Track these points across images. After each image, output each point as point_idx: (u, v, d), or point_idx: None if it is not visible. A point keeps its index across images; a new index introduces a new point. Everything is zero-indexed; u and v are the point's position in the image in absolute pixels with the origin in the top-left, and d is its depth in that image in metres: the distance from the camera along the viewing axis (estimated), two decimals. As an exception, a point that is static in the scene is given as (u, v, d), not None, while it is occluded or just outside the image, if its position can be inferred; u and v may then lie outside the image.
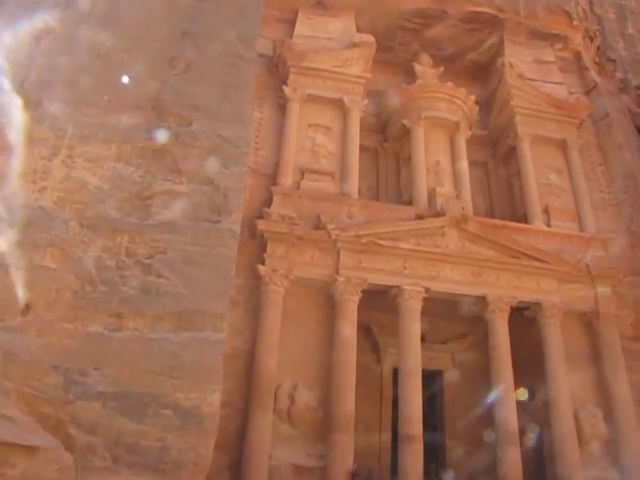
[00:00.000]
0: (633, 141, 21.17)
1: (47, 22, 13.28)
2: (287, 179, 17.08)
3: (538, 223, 18.46)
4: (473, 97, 20.16)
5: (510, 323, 16.33)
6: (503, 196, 20.79)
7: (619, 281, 17.66)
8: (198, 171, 12.34)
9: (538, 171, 19.68)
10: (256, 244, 15.77)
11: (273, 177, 17.27)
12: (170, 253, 11.20)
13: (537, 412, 15.99)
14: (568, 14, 23.24)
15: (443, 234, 16.84)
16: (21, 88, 12.15)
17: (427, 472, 14.75)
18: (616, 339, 16.71)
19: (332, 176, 17.67)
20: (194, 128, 12.95)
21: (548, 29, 22.96)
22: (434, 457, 16.66)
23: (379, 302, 16.19)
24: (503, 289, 16.59)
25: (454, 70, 22.33)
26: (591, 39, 24.52)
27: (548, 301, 16.64)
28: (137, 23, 14.25)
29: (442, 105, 19.72)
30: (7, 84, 11.99)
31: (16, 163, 11.04)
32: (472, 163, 20.09)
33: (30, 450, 8.02)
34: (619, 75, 24.25)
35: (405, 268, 16.19)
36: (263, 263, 15.34)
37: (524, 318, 16.96)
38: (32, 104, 11.92)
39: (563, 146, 20.55)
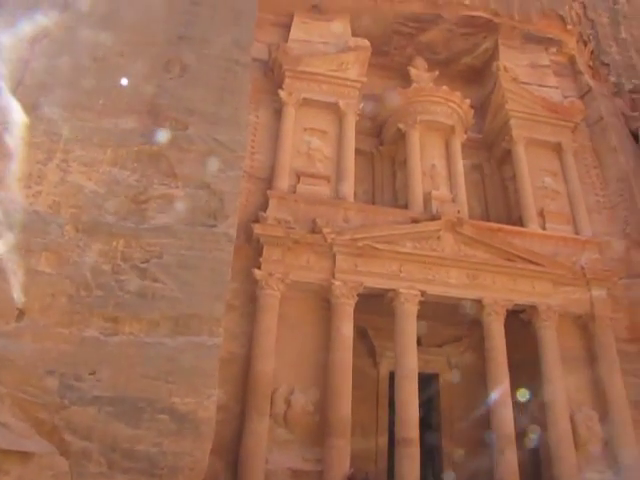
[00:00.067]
0: (627, 144, 21.26)
1: (42, 25, 13.26)
2: (283, 183, 17.07)
3: (533, 226, 18.51)
4: (468, 101, 20.22)
5: (506, 326, 16.35)
6: (498, 199, 20.85)
7: (614, 284, 17.71)
8: (194, 175, 12.33)
9: (533, 174, 19.75)
10: (252, 248, 15.76)
11: (269, 181, 17.26)
12: (166, 257, 11.19)
13: (534, 415, 15.98)
14: (562, 18, 23.36)
15: (439, 237, 16.86)
16: (16, 91, 12.12)
17: (424, 476, 14.71)
18: (611, 342, 16.75)
19: (328, 180, 17.68)
20: (190, 132, 12.95)
21: (542, 33, 23.06)
22: (431, 460, 16.65)
23: (375, 306, 16.19)
24: (499, 292, 16.61)
25: (449, 74, 22.39)
26: (585, 43, 24.63)
27: (544, 304, 16.67)
28: (133, 27, 14.25)
29: (437, 109, 19.76)
30: (4, 87, 11.96)
31: (14, 167, 11.02)
32: (467, 166, 20.14)
33: (25, 456, 7.98)
34: (613, 79, 24.34)
35: (401, 271, 16.20)
36: (259, 267, 15.32)
37: (520, 321, 16.99)
38: (27, 108, 11.89)
39: (558, 149, 20.63)
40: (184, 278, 11.05)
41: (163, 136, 12.66)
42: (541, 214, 18.94)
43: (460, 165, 19.33)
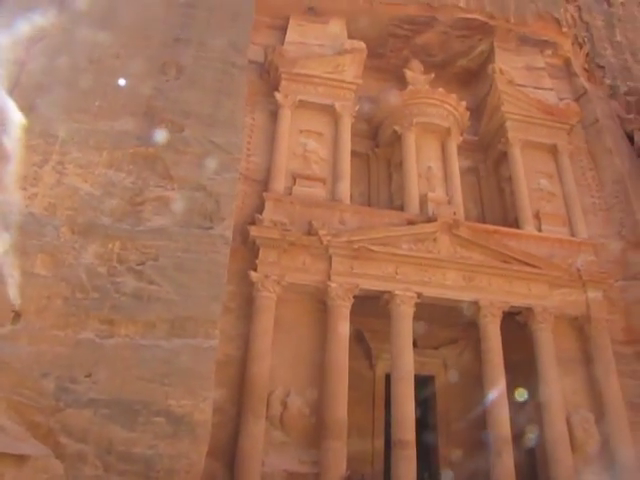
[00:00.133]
0: (623, 146, 21.33)
1: (39, 26, 13.26)
2: (279, 185, 17.07)
3: (529, 228, 18.54)
4: (464, 103, 20.26)
5: (502, 328, 16.37)
6: (494, 201, 20.88)
7: (610, 286, 17.74)
8: (190, 177, 12.34)
9: (529, 176, 19.79)
10: (248, 250, 15.74)
11: (265, 183, 17.26)
12: (162, 259, 11.18)
13: (530, 416, 15.99)
14: (557, 21, 23.44)
15: (435, 239, 16.87)
16: (13, 93, 12.11)
17: (420, 478, 14.71)
18: (607, 343, 16.77)
19: (324, 182, 17.69)
20: (186, 134, 12.96)
21: (538, 36, 23.12)
22: (427, 463, 16.64)
23: (371, 308, 16.19)
24: (495, 294, 16.62)
25: (445, 76, 22.45)
26: (580, 46, 24.73)
27: (539, 306, 16.69)
28: (130, 29, 14.26)
29: (433, 111, 19.80)
30: (1, 87, 11.96)
31: (10, 169, 11.00)
32: (463, 169, 20.18)
33: (19, 459, 7.95)
34: (608, 81, 24.44)
35: (397, 273, 16.20)
36: (255, 269, 15.30)
37: (516, 323, 17.00)
38: (23, 109, 11.89)
39: (554, 151, 20.68)
40: (180, 280, 11.05)
41: (159, 138, 12.66)
42: (537, 216, 18.97)
43: (456, 167, 19.36)
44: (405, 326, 15.68)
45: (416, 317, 15.93)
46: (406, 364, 15.20)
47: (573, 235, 18.73)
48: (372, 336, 17.67)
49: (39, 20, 13.36)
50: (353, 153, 18.94)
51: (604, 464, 15.38)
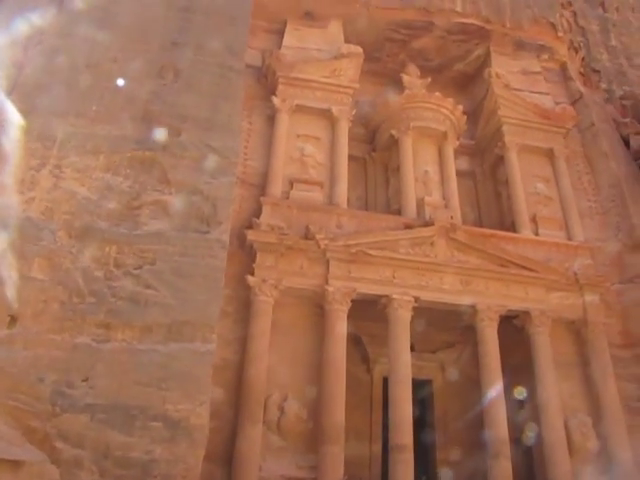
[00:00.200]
0: (619, 150, 21.40)
1: (36, 29, 13.26)
2: (276, 189, 17.07)
3: (526, 232, 18.56)
4: (461, 107, 20.31)
5: (500, 331, 16.37)
6: (491, 205, 20.92)
7: (607, 289, 17.77)
8: (187, 181, 12.33)
9: (526, 180, 19.82)
10: (245, 254, 15.73)
11: (262, 187, 17.25)
12: (159, 264, 11.16)
13: (528, 420, 15.98)
14: (553, 26, 23.54)
15: (432, 243, 16.88)
16: (11, 96, 12.10)
17: (418, 481, 14.71)
18: (605, 347, 16.78)
19: (321, 186, 17.69)
20: (183, 138, 12.95)
21: (534, 40, 23.21)
22: (425, 467, 16.61)
23: (369, 312, 16.17)
24: (492, 298, 16.63)
25: (441, 80, 22.49)
26: (576, 50, 24.83)
27: (537, 309, 16.70)
28: (127, 33, 14.27)
29: (430, 115, 19.84)
30: (0, 90, 11.96)
31: (9, 172, 10.99)
32: (460, 173, 20.21)
33: (15, 465, 7.90)
34: (604, 86, 24.56)
35: (394, 277, 16.20)
36: (252, 273, 15.29)
37: (513, 326, 17.01)
38: (21, 113, 11.87)
39: (550, 155, 20.72)
40: (177, 285, 11.02)
41: (156, 142, 12.66)
42: (534, 220, 18.99)
43: (453, 171, 19.40)
44: (402, 330, 15.67)
45: (413, 321, 15.93)
46: (404, 368, 15.19)
47: (570, 239, 18.76)
48: (369, 340, 17.66)
49: (37, 21, 13.36)
50: (350, 157, 18.95)
51: (602, 467, 15.36)
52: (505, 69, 22.26)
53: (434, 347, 18.38)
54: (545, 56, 23.51)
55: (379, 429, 16.93)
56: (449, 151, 19.85)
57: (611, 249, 19.14)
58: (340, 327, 15.25)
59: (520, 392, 15.92)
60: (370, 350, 17.79)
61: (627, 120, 22.86)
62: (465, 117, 20.62)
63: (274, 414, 14.20)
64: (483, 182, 21.52)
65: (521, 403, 16.33)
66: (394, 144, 19.86)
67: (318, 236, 15.78)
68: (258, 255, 15.51)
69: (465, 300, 16.45)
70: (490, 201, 21.02)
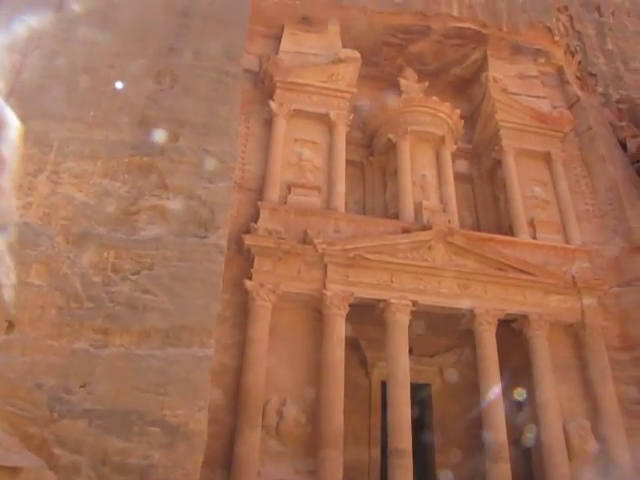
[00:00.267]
0: (616, 154, 21.46)
1: (35, 32, 13.27)
2: (274, 194, 17.08)
3: (524, 236, 18.59)
4: (458, 111, 20.35)
5: (498, 335, 16.37)
6: (489, 209, 20.94)
7: (605, 292, 17.80)
8: (184, 186, 12.32)
9: (523, 184, 19.86)
10: (243, 259, 15.73)
11: (260, 192, 17.27)
12: (157, 269, 11.14)
13: (526, 424, 15.96)
14: (550, 30, 23.63)
15: (430, 247, 16.89)
16: (8, 101, 12.10)
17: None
18: (603, 350, 16.80)
19: (319, 190, 17.71)
20: (180, 143, 12.95)
21: (530, 44, 23.30)
22: (424, 471, 16.59)
23: (367, 316, 16.18)
24: (490, 302, 16.64)
25: (439, 85, 22.57)
26: (572, 54, 24.93)
27: (535, 313, 16.71)
28: (124, 38, 14.28)
29: (427, 119, 19.88)
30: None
31: (7, 178, 10.99)
32: (458, 177, 20.24)
33: (12, 471, 7.86)
34: (600, 89, 24.65)
35: (392, 282, 16.20)
36: (250, 278, 15.29)
37: (512, 330, 17.02)
38: (18, 118, 11.87)
39: (547, 159, 20.78)
40: (175, 289, 11.00)
41: (154, 147, 12.67)
42: (531, 223, 19.02)
43: (450, 175, 19.43)
44: (401, 334, 15.67)
45: (412, 325, 15.93)
46: (402, 372, 15.18)
47: (567, 242, 18.79)
48: (368, 344, 17.65)
49: (35, 24, 13.37)
50: (348, 161, 18.98)
51: (601, 470, 15.35)
52: (502, 73, 22.32)
53: (432, 351, 18.37)
54: (542, 60, 23.60)
55: (378, 433, 16.91)
56: (447, 155, 19.88)
57: (609, 252, 19.19)
58: (338, 331, 15.26)
59: (520, 393, 15.92)
60: (368, 354, 17.78)
61: (624, 124, 22.93)
62: (462, 121, 20.66)
63: (273, 419, 14.18)
64: (481, 186, 21.56)
65: (520, 406, 16.32)
66: (392, 148, 19.90)
67: (316, 240, 15.79)
68: (256, 260, 15.52)
69: (463, 304, 16.46)
70: (488, 205, 21.05)
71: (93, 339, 10.12)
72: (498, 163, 20.74)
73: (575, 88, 23.35)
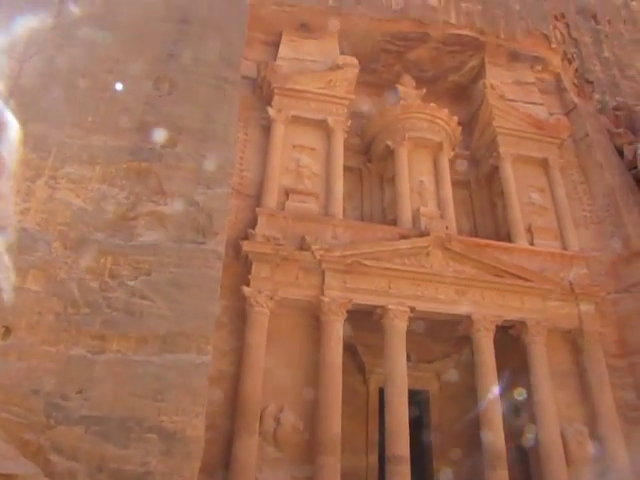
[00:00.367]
0: (613, 160, 21.54)
1: (33, 37, 13.29)
2: (272, 200, 17.10)
3: (521, 242, 18.62)
4: (456, 118, 20.41)
5: (495, 341, 16.37)
6: (486, 215, 20.98)
7: (602, 299, 17.82)
8: (182, 192, 12.32)
9: (520, 190, 19.92)
10: (241, 265, 15.73)
11: (258, 198, 17.29)
12: (154, 275, 11.12)
13: (524, 430, 15.94)
14: (547, 37, 23.76)
15: (427, 254, 16.90)
16: (8, 104, 12.11)
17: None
18: (600, 356, 16.80)
19: (316, 197, 17.74)
20: (178, 149, 12.95)
21: (528, 51, 23.41)
22: (421, 477, 16.54)
23: (364, 322, 16.16)
24: (488, 308, 16.64)
25: (436, 91, 22.64)
26: (569, 61, 25.06)
27: (532, 319, 16.72)
28: (123, 44, 14.31)
29: (425, 126, 19.93)
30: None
31: (6, 183, 10.98)
32: (455, 183, 20.28)
33: (7, 479, 7.83)
34: (597, 96, 24.76)
35: (390, 288, 16.20)
36: (248, 284, 15.27)
37: (509, 336, 17.02)
38: (18, 122, 11.88)
39: (545, 165, 20.84)
40: (173, 296, 10.98)
41: (152, 153, 12.67)
42: (529, 230, 19.07)
43: (448, 181, 19.47)
44: (398, 340, 15.66)
45: (409, 331, 15.92)
46: (400, 378, 15.16)
47: (565, 248, 18.83)
48: (365, 350, 17.63)
49: (35, 26, 13.39)
50: (346, 168, 19.02)
51: (599, 476, 15.32)
52: (499, 80, 22.42)
53: (430, 357, 18.36)
54: (539, 67, 23.71)
55: (375, 440, 16.87)
56: (444, 161, 19.93)
57: (606, 258, 19.23)
58: (336, 337, 15.24)
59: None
60: (366, 360, 17.76)
61: (620, 130, 23.01)
62: (460, 127, 20.72)
63: (270, 425, 14.14)
64: (478, 192, 21.61)
65: (518, 412, 16.30)
66: (390, 154, 19.94)
67: (314, 247, 15.79)
68: (254, 266, 15.51)
69: (461, 310, 16.46)
70: (485, 211, 21.09)
71: (90, 345, 10.09)
72: (496, 169, 20.80)
73: (572, 95, 23.46)
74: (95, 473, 8.98)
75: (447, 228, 17.47)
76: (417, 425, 16.69)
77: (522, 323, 16.74)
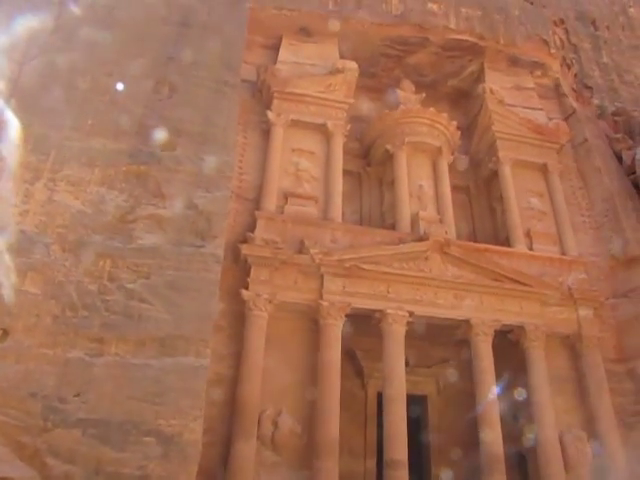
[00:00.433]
0: (611, 165, 21.56)
1: (33, 39, 13.30)
2: (271, 203, 17.08)
3: (520, 246, 18.61)
4: (455, 122, 20.43)
5: (494, 345, 16.34)
6: (485, 220, 20.98)
7: (601, 304, 17.80)
8: (181, 195, 12.33)
9: (519, 195, 19.93)
10: (240, 269, 15.70)
11: (257, 202, 17.26)
12: (153, 278, 11.12)
13: (522, 435, 15.91)
14: (546, 43, 23.82)
15: (426, 258, 16.88)
16: (9, 103, 12.11)
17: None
18: (599, 361, 16.78)
19: (316, 200, 17.72)
20: (178, 152, 12.97)
21: (527, 57, 23.44)
22: (420, 483, 16.51)
23: (363, 326, 16.12)
24: (486, 312, 16.62)
25: (436, 96, 22.65)
26: (568, 67, 25.11)
27: (531, 324, 16.70)
28: (123, 48, 14.33)
29: (424, 130, 19.94)
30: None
31: (6, 184, 10.97)
32: (454, 187, 20.28)
33: (4, 481, 7.82)
34: (596, 102, 24.82)
35: (389, 292, 16.18)
36: (247, 288, 15.25)
37: (508, 341, 17.00)
38: (19, 121, 11.89)
39: (544, 170, 20.86)
40: (171, 299, 10.98)
41: (151, 156, 12.68)
42: (528, 234, 19.06)
43: (447, 186, 19.46)
44: (397, 345, 15.63)
45: (408, 336, 15.89)
46: (398, 383, 15.13)
47: (564, 253, 18.82)
48: (364, 355, 17.58)
49: (35, 27, 13.41)
50: (345, 172, 19.01)
51: (597, 483, 15.31)
52: (499, 85, 22.45)
53: (429, 362, 18.30)
54: (538, 72, 23.75)
55: (373, 445, 16.80)
56: (443, 166, 19.93)
57: (605, 264, 19.22)
58: (334, 342, 15.21)
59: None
60: (364, 365, 17.70)
61: (619, 136, 23.05)
62: (459, 132, 20.75)
63: (268, 429, 14.09)
64: (477, 197, 21.62)
65: (516, 417, 16.27)
66: (389, 159, 19.94)
67: (312, 250, 15.77)
68: (252, 269, 15.48)
69: (460, 314, 16.45)
70: (484, 216, 21.09)
71: (88, 348, 10.08)
72: (495, 174, 20.81)
73: (571, 100, 23.50)
74: (92, 476, 8.96)
75: (446, 232, 17.45)
76: (415, 429, 16.64)
77: (521, 328, 16.72)
